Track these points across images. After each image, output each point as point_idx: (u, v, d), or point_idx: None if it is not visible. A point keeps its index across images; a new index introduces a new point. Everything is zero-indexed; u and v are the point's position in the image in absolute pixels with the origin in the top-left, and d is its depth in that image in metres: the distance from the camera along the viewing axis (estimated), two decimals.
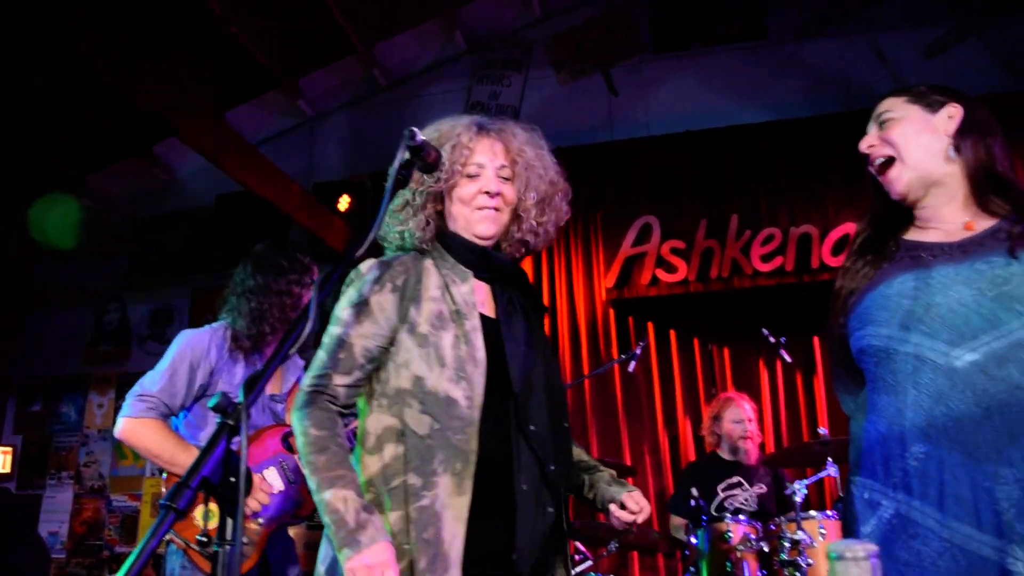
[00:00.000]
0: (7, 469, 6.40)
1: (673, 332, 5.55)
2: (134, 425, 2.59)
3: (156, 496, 6.23)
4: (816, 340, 5.21)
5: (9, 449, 6.46)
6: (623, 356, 4.58)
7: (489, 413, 1.72)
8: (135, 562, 0.99)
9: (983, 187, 1.75)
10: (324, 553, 1.71)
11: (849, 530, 1.76)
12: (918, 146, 1.77)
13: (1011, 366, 1.55)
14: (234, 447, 1.12)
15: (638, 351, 4.39)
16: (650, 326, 5.53)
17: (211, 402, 1.13)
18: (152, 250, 6.78)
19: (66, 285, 6.85)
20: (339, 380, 1.74)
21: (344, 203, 5.63)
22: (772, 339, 4.22)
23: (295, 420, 1.72)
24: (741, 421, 4.51)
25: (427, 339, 1.74)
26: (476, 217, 1.88)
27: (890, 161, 1.79)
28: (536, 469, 1.75)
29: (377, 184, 6.09)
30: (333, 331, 1.78)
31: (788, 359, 4.28)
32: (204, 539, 1.08)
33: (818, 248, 5.20)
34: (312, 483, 1.65)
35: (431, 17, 6.15)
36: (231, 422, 1.12)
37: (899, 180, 1.78)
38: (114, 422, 2.68)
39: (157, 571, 4.53)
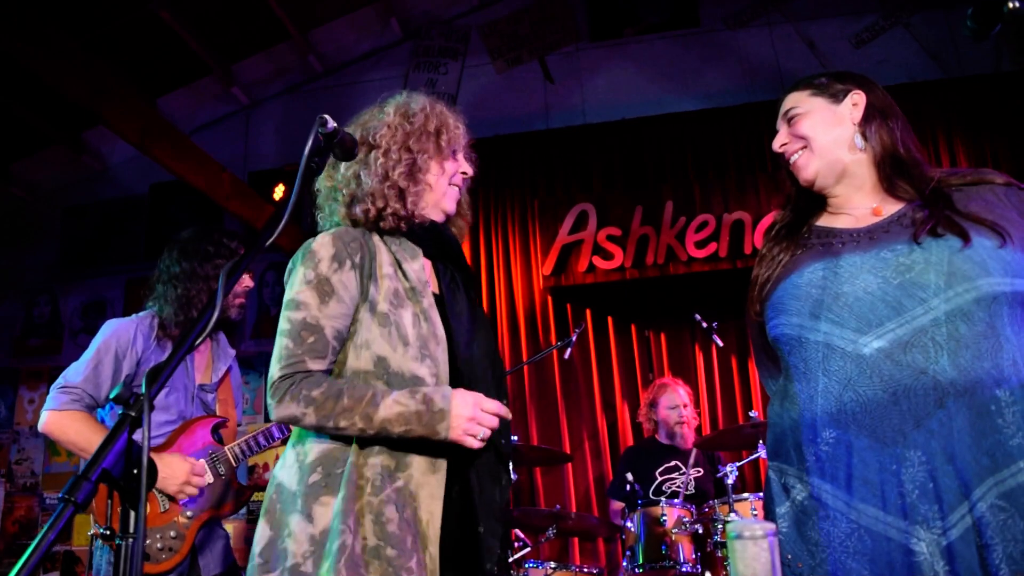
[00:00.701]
0: None
1: (610, 318, 5.60)
2: (58, 418, 2.53)
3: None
4: None
5: None
6: (561, 343, 4.62)
7: None
8: (30, 556, 0.97)
9: (889, 172, 1.80)
10: (259, 535, 1.67)
11: (768, 512, 1.81)
12: (827, 137, 1.82)
13: (915, 351, 1.59)
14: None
15: (575, 337, 4.43)
16: (588, 312, 5.58)
17: (112, 393, 1.12)
18: (83, 240, 6.62)
19: None
20: (313, 365, 1.68)
21: (279, 192, 5.55)
22: (704, 324, 4.30)
23: (284, 408, 1.65)
24: (676, 407, 4.59)
25: (388, 318, 1.72)
26: (450, 194, 1.92)
27: (801, 153, 1.84)
28: (488, 444, 1.75)
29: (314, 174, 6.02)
30: (294, 315, 1.70)
31: (720, 343, 4.36)
32: (107, 532, 1.06)
33: (751, 234, 5.29)
34: (359, 423, 1.62)
35: (368, 3, 6.09)
36: (133, 413, 1.11)
37: (807, 167, 1.84)
38: None
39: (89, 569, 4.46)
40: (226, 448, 2.81)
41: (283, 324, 1.71)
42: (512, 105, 5.96)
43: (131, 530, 1.08)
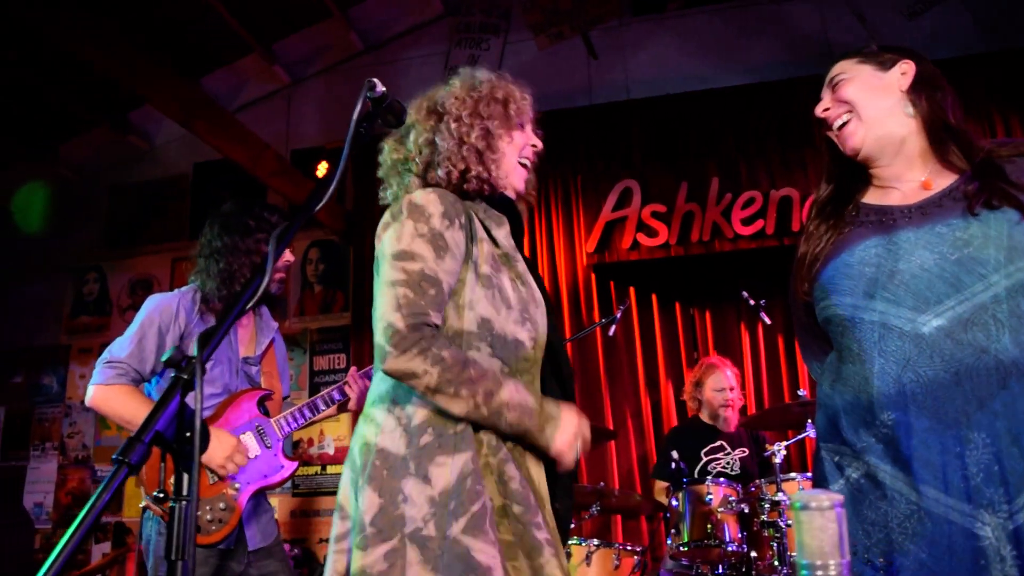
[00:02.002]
0: None
1: (654, 296, 5.55)
2: (104, 392, 2.54)
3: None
4: None
5: None
6: (605, 320, 4.57)
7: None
8: (86, 515, 0.97)
9: (941, 140, 1.73)
10: (366, 504, 1.59)
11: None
12: (872, 103, 1.75)
13: (976, 330, 1.54)
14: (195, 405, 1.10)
15: (619, 315, 4.38)
16: (631, 290, 5.53)
17: (164, 356, 1.11)
18: (129, 219, 6.72)
19: (42, 255, 6.78)
20: (436, 320, 1.63)
21: (322, 169, 5.57)
22: (752, 301, 4.22)
23: (407, 360, 1.56)
24: (723, 389, 4.51)
25: (490, 280, 1.70)
26: (517, 172, 1.90)
27: (848, 120, 1.78)
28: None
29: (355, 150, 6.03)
30: (410, 266, 1.62)
31: (768, 321, 4.28)
32: (160, 495, 1.05)
33: (799, 211, 5.19)
34: (479, 396, 1.58)
35: None
36: (185, 376, 1.10)
37: (854, 135, 1.76)
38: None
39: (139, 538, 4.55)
40: (272, 420, 2.83)
41: (396, 274, 1.62)
42: (554, 81, 5.89)
43: (184, 493, 1.07)
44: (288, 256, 2.85)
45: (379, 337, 1.60)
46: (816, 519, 1.13)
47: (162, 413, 1.07)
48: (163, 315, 2.67)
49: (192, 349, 1.12)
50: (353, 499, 1.65)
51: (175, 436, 1.08)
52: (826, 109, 1.81)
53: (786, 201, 5.25)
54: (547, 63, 5.96)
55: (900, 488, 1.58)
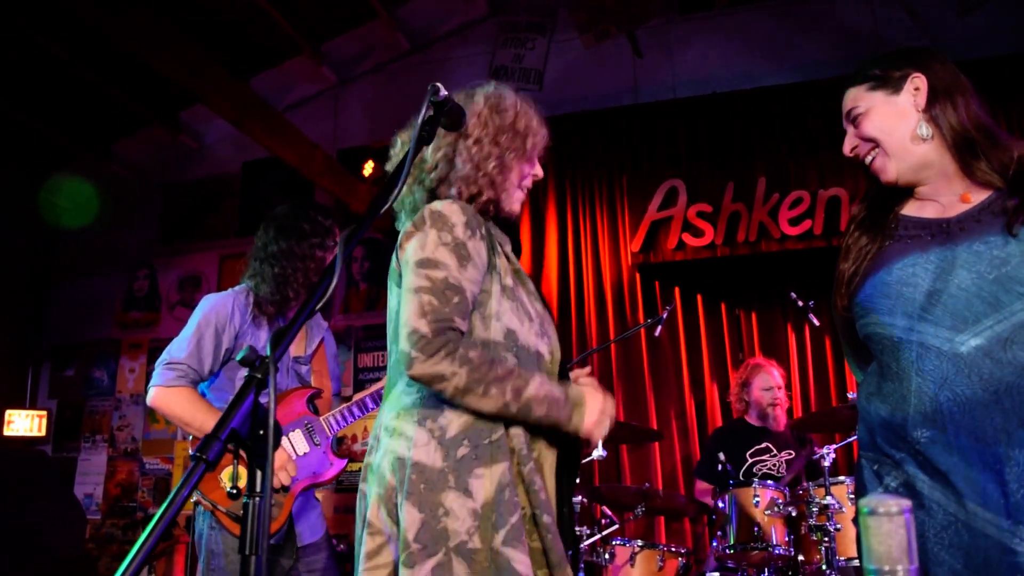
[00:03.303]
0: (43, 432, 6.52)
1: (700, 296, 5.51)
2: (165, 394, 2.60)
3: (188, 459, 6.34)
4: None
5: (44, 413, 6.58)
6: (650, 320, 4.55)
7: None
8: (166, 510, 1.00)
9: (965, 155, 1.70)
10: (407, 520, 1.58)
11: (860, 498, 1.75)
12: (895, 134, 1.72)
13: (1016, 348, 1.53)
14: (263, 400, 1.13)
15: (665, 315, 4.36)
16: (676, 290, 5.50)
17: (239, 355, 1.14)
18: (179, 217, 6.84)
19: (96, 251, 6.94)
20: (461, 326, 1.64)
21: (369, 168, 5.63)
22: (800, 303, 4.18)
23: (434, 364, 1.58)
24: (770, 389, 4.47)
25: (513, 292, 1.75)
26: (516, 197, 1.91)
27: (875, 156, 1.76)
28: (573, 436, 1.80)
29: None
30: (435, 274, 1.64)
31: (816, 323, 4.23)
32: (234, 492, 1.08)
33: (847, 211, 5.12)
34: (508, 395, 1.61)
35: None
36: (259, 375, 1.12)
37: (885, 170, 1.75)
38: (145, 387, 2.70)
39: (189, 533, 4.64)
40: (321, 419, 2.86)
41: (421, 281, 1.64)
42: (600, 80, 5.88)
43: (258, 489, 1.10)
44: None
45: (404, 344, 1.62)
46: (884, 524, 1.12)
47: (237, 411, 1.09)
48: (219, 316, 2.71)
49: (265, 349, 1.15)
50: (384, 515, 1.65)
51: (249, 434, 1.10)
52: (854, 148, 1.79)
53: (835, 201, 5.18)
54: (592, 62, 5.95)
55: (938, 499, 1.59)
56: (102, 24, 3.74)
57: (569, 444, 1.78)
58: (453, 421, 1.64)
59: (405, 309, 1.65)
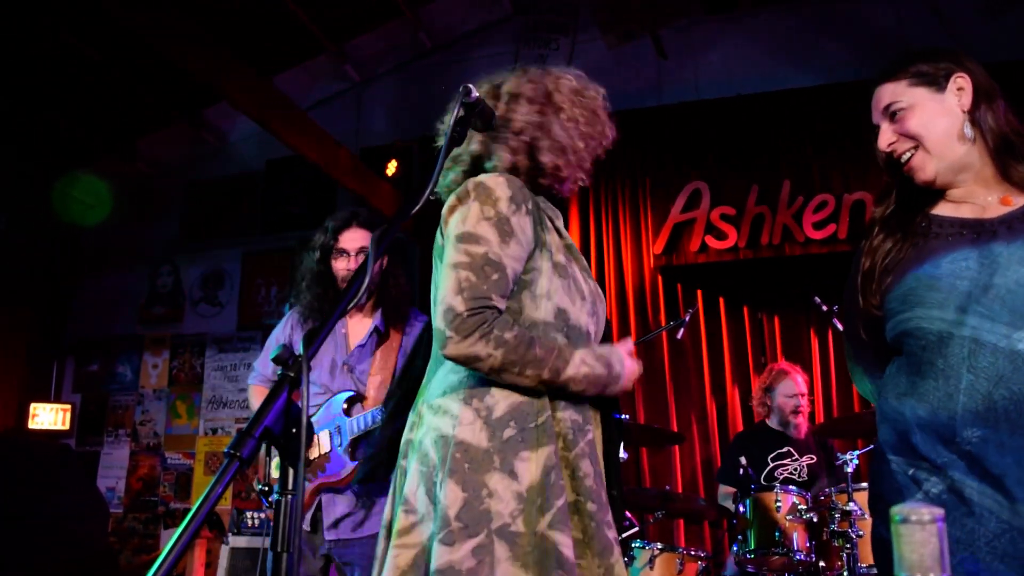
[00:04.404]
0: (67, 426, 6.60)
1: (722, 299, 5.49)
2: (249, 390, 3.20)
3: (209, 455, 6.39)
4: None
5: (68, 407, 6.65)
6: (671, 323, 4.53)
7: None
8: (200, 507, 1.00)
9: (1005, 157, 1.68)
10: (449, 498, 1.55)
11: (879, 506, 1.70)
12: (938, 132, 1.68)
13: None
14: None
15: (687, 318, 4.34)
16: (699, 293, 5.48)
17: (272, 354, 1.14)
18: (203, 214, 6.89)
19: (121, 248, 7.00)
20: (499, 304, 1.60)
21: (391, 168, 5.65)
22: (825, 307, 4.14)
23: (470, 345, 1.54)
24: (794, 396, 4.43)
25: (565, 269, 1.70)
26: (581, 180, 1.89)
27: (913, 154, 1.71)
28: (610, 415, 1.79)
29: (424, 149, 6.08)
30: (474, 249, 1.59)
31: (841, 328, 4.19)
32: (266, 488, 1.08)
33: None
34: (545, 375, 1.59)
35: None
36: (291, 374, 1.13)
37: (923, 169, 1.71)
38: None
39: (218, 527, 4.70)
40: (349, 419, 2.87)
41: (460, 257, 1.60)
42: (623, 81, 5.86)
43: (290, 487, 1.10)
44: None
45: (439, 321, 1.58)
46: (917, 533, 1.11)
47: (270, 409, 1.10)
48: (277, 334, 3.11)
49: (298, 347, 1.15)
50: (423, 493, 1.61)
51: (282, 431, 1.11)
52: (891, 143, 1.74)
53: (859, 205, 5.14)
54: (616, 62, 5.93)
55: (990, 505, 1.52)
56: (129, 21, 3.78)
57: (609, 423, 1.78)
58: (500, 401, 1.61)
59: (443, 285, 1.61)
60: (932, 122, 1.69)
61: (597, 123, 1.83)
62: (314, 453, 2.78)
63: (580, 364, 1.62)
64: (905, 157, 1.72)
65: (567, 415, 1.64)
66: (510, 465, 1.56)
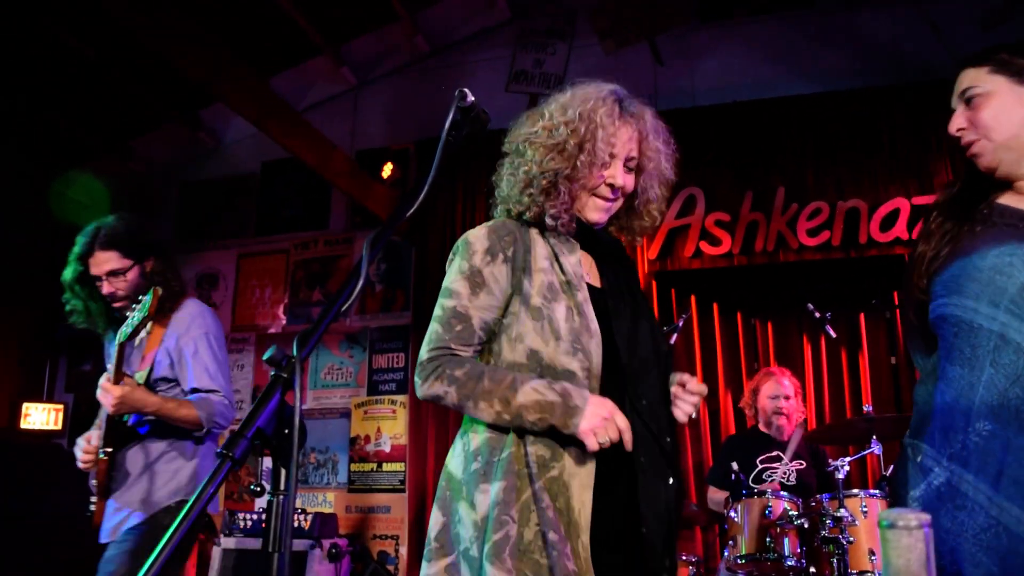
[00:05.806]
0: (59, 426, 6.57)
1: (716, 305, 5.51)
2: None
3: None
4: (862, 316, 5.14)
5: (60, 407, 6.63)
6: (665, 328, 4.54)
7: (603, 386, 1.72)
8: (192, 507, 1.01)
9: None
10: (433, 521, 1.77)
11: (897, 492, 1.75)
12: (1010, 122, 1.69)
13: None
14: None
15: (680, 323, 4.35)
16: (693, 299, 5.50)
17: (265, 356, 1.15)
18: (198, 215, 6.89)
19: None
20: (459, 351, 1.76)
21: (387, 171, 5.65)
22: (818, 314, 4.16)
23: (430, 387, 1.73)
24: (777, 397, 4.46)
25: (540, 312, 1.73)
26: (591, 205, 1.85)
27: (977, 140, 1.73)
28: (652, 443, 1.74)
29: (420, 152, 6.10)
30: (447, 303, 1.77)
31: (833, 335, 4.22)
32: (258, 488, 1.09)
33: (866, 223, 5.11)
34: (496, 406, 1.67)
35: None
36: (284, 375, 1.13)
37: (986, 155, 1.72)
38: None
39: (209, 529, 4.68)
40: None
41: (436, 310, 1.79)
42: (620, 86, 5.86)
43: (282, 487, 1.11)
44: None
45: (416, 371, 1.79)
46: (903, 538, 1.12)
47: (263, 410, 1.10)
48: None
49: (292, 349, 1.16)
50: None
51: (274, 432, 1.11)
52: (961, 128, 1.75)
53: (854, 212, 5.16)
54: (612, 68, 5.88)
55: (981, 500, 1.56)
56: (128, 21, 3.78)
57: (618, 458, 1.70)
58: (477, 436, 1.75)
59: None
60: (1005, 112, 1.70)
61: (558, 136, 1.81)
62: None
63: (530, 391, 1.66)
64: (971, 145, 1.73)
65: (534, 449, 1.68)
66: (472, 495, 1.69)
